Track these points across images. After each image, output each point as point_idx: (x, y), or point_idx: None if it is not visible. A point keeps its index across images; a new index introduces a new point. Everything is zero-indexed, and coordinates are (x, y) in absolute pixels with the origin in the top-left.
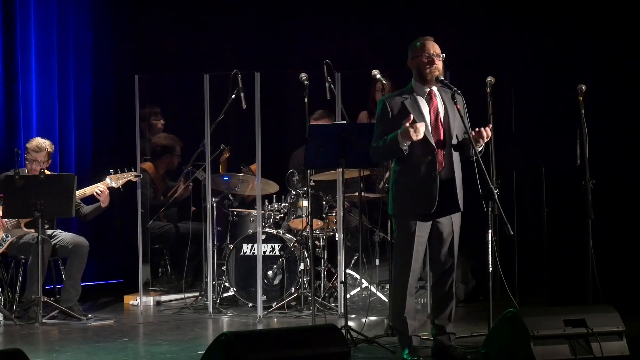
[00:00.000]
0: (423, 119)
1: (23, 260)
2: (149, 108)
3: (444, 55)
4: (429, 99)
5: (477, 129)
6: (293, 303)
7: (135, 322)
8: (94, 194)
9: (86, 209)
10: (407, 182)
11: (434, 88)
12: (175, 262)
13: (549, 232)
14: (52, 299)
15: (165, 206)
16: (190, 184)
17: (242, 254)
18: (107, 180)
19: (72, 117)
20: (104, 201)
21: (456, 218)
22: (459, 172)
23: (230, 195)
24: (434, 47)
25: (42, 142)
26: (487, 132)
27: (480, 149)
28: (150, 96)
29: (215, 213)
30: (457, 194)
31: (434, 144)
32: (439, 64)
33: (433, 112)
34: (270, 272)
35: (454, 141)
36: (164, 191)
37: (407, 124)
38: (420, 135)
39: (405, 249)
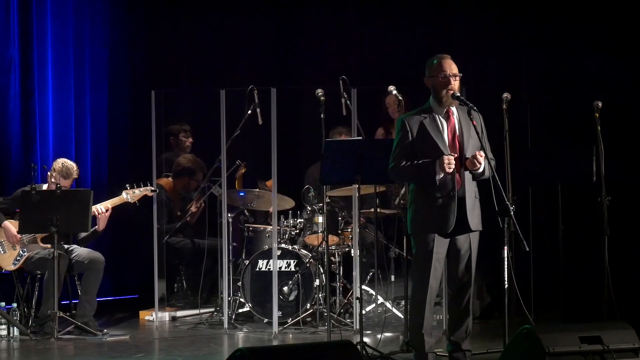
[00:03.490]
0: (442, 138)
1: (39, 276)
2: (179, 124)
3: (461, 74)
4: (447, 117)
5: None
6: (308, 319)
7: (150, 338)
8: (95, 212)
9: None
10: (426, 200)
11: (452, 107)
12: (191, 278)
13: (565, 249)
14: (67, 314)
15: (180, 222)
16: (202, 203)
17: (257, 269)
18: (123, 194)
19: (88, 132)
20: (101, 225)
21: (474, 235)
22: (476, 190)
23: (246, 211)
24: (450, 67)
25: (70, 168)
26: (478, 158)
27: (480, 170)
28: (166, 112)
29: (231, 229)
30: (473, 213)
31: None
32: (456, 84)
33: (450, 131)
34: (285, 288)
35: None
36: (180, 207)
37: (446, 159)
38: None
39: (423, 266)
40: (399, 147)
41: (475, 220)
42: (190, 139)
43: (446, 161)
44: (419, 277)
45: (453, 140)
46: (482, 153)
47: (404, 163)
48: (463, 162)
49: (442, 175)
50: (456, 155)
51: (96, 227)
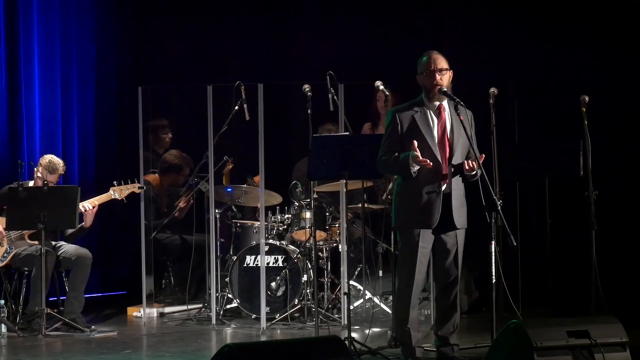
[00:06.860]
0: (431, 134)
1: (27, 272)
2: (156, 121)
3: (448, 69)
4: (438, 113)
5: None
6: (296, 314)
7: (138, 334)
8: (82, 209)
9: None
10: (412, 195)
11: (444, 102)
12: (179, 274)
13: (552, 243)
14: (55, 310)
15: (168, 218)
16: (191, 199)
17: (245, 265)
18: (111, 192)
19: (75, 128)
20: (87, 221)
21: (460, 231)
22: (462, 186)
23: (233, 207)
24: (436, 62)
25: (56, 163)
26: (472, 164)
27: (472, 173)
28: (153, 108)
29: (218, 225)
30: (460, 211)
31: (440, 160)
32: (443, 79)
33: (440, 127)
34: (273, 284)
35: (457, 157)
36: (167, 203)
37: (417, 152)
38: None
39: (408, 260)
40: (387, 140)
41: (462, 219)
42: (170, 135)
43: (419, 158)
44: (405, 272)
45: (442, 136)
46: (474, 163)
47: (387, 156)
48: (452, 159)
49: (416, 168)
50: (446, 155)
51: (82, 223)
